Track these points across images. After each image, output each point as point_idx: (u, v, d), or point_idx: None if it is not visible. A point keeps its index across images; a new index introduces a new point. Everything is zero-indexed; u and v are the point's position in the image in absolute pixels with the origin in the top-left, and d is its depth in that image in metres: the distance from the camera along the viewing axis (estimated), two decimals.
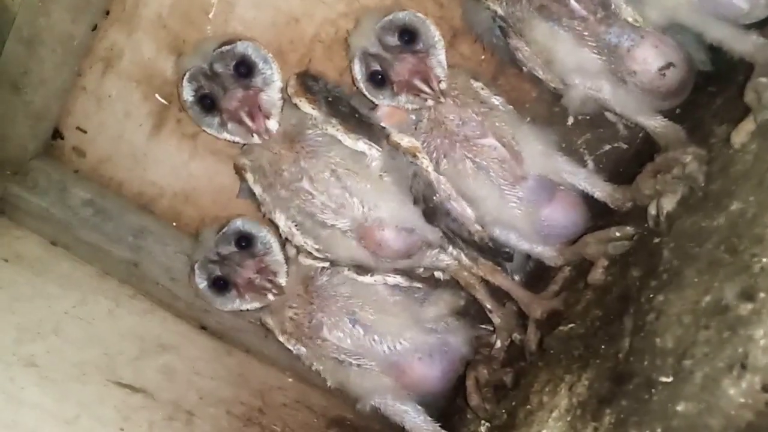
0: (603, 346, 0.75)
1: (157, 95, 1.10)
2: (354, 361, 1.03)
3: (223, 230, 1.05)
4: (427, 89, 0.96)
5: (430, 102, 0.97)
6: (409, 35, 0.97)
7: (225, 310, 1.07)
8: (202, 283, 1.06)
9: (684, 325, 0.62)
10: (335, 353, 1.03)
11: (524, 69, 0.97)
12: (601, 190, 0.98)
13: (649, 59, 0.89)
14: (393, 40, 0.97)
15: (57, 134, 1.13)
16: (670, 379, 0.60)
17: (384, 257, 1.03)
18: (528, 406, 0.83)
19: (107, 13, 1.06)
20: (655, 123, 0.93)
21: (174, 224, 1.16)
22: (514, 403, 0.89)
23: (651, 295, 0.72)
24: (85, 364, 0.96)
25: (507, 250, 1.03)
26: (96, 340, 1.00)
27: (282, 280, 1.05)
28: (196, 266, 1.05)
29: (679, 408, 0.56)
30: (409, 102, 0.98)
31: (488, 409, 0.95)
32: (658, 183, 0.82)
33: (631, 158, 1.07)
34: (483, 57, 1.05)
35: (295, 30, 1.04)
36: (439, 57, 0.97)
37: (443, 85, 0.97)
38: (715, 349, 0.56)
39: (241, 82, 0.98)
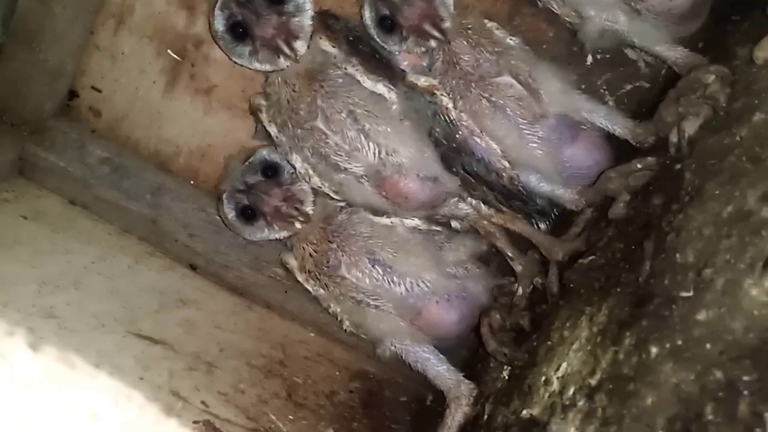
0: (623, 274, 0.73)
1: (169, 51, 1.09)
2: (372, 302, 1.01)
3: (250, 160, 1.04)
4: (434, 32, 0.94)
5: (433, 44, 0.95)
6: None
7: (255, 239, 1.07)
8: (230, 213, 1.05)
9: (705, 238, 0.59)
10: (353, 293, 1.02)
11: (539, 4, 0.95)
12: (622, 126, 0.95)
13: None
14: None
15: (73, 94, 1.13)
16: (690, 293, 0.58)
17: (407, 208, 1.02)
18: (548, 343, 0.81)
19: None
20: (676, 53, 0.90)
21: (191, 182, 1.16)
22: (535, 344, 0.87)
23: (672, 219, 0.69)
24: (104, 315, 0.96)
25: (540, 205, 1.02)
26: (115, 294, 1.01)
27: (309, 209, 1.04)
28: (224, 196, 1.05)
29: (700, 317, 0.54)
30: (417, 45, 0.97)
31: (507, 353, 0.93)
32: (681, 106, 0.79)
33: (653, 97, 1.02)
34: None
35: None
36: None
37: (446, 25, 0.95)
38: (737, 254, 0.54)
39: (274, 8, 0.97)
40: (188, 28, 1.08)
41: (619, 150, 0.97)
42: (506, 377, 0.94)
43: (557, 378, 0.74)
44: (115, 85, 1.13)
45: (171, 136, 1.15)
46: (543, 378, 0.78)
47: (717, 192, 0.62)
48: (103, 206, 1.11)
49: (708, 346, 0.52)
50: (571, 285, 0.83)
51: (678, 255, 0.62)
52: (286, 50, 0.95)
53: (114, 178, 1.11)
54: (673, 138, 0.79)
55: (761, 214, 0.54)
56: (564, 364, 0.75)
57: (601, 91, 1.05)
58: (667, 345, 0.56)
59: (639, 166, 0.85)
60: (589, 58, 1.03)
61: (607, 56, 1.03)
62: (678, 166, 0.76)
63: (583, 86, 1.02)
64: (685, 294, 0.59)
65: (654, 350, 0.57)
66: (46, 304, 0.94)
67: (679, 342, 0.55)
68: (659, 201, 0.76)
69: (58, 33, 1.05)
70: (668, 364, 0.55)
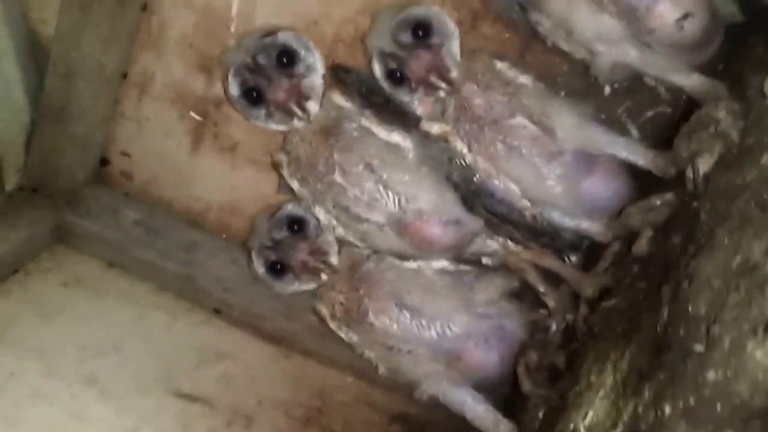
0: (644, 319, 0.72)
1: (191, 113, 1.13)
2: (403, 347, 1.02)
3: (275, 216, 1.07)
4: (441, 84, 0.95)
5: (442, 94, 0.96)
6: (424, 29, 0.96)
7: (285, 293, 1.09)
8: (260, 269, 1.08)
9: (714, 289, 0.58)
10: (384, 339, 1.02)
11: (547, 43, 0.95)
12: (643, 157, 0.94)
13: (666, 13, 0.84)
14: (407, 37, 0.96)
15: (104, 161, 1.17)
16: (702, 349, 0.57)
17: (433, 253, 1.03)
18: (577, 387, 0.80)
19: (134, 39, 1.09)
20: (692, 81, 0.89)
21: (224, 236, 1.19)
22: (567, 384, 0.86)
23: (688, 263, 0.68)
24: (144, 376, 1.00)
25: (567, 237, 1.02)
26: (154, 354, 1.04)
27: (334, 259, 1.06)
28: (252, 253, 1.08)
29: (709, 376, 0.53)
30: (428, 95, 0.98)
31: (542, 394, 0.92)
32: (693, 143, 0.78)
33: (676, 122, 1.00)
34: (507, 35, 1.02)
35: (316, 32, 1.04)
36: (453, 49, 0.96)
37: (453, 75, 0.96)
38: (743, 312, 0.53)
39: (285, 72, 0.99)
40: (207, 90, 1.10)
41: (641, 177, 0.96)
42: (541, 418, 0.93)
43: (584, 427, 0.74)
44: (143, 150, 1.16)
45: (200, 194, 1.18)
46: (571, 425, 0.77)
47: (726, 240, 0.61)
48: (140, 266, 1.14)
49: (718, 406, 0.51)
50: (595, 329, 0.82)
51: (691, 306, 0.61)
52: (299, 112, 0.98)
53: (148, 238, 1.15)
54: (689, 174, 0.78)
55: (765, 269, 0.53)
56: (590, 413, 0.74)
57: (623, 119, 1.04)
58: (681, 403, 0.56)
59: (658, 202, 0.84)
60: (608, 89, 1.02)
61: (625, 85, 1.01)
62: (695, 204, 0.75)
63: (603, 116, 1.01)
64: (698, 348, 0.58)
65: (668, 409, 0.56)
66: (87, 370, 0.98)
67: (692, 401, 0.54)
68: (678, 240, 0.75)
69: (84, 106, 1.09)
70: (682, 424, 0.54)
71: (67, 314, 1.04)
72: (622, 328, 0.76)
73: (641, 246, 0.85)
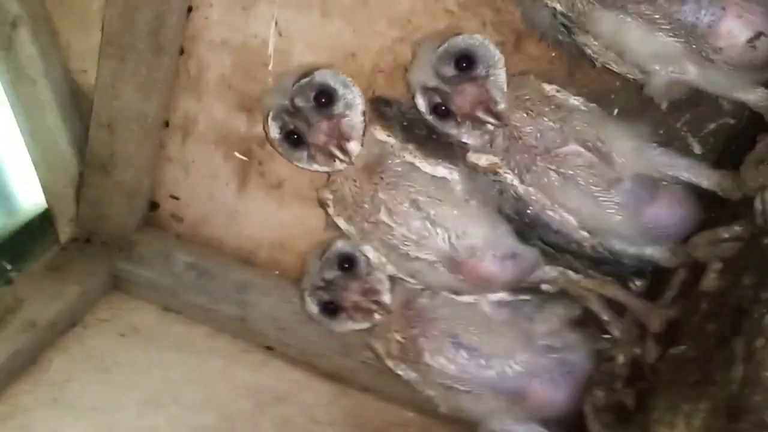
0: (717, 373, 0.67)
1: (236, 153, 1.11)
2: (462, 387, 0.99)
3: (325, 255, 1.05)
4: (489, 119, 0.90)
5: (491, 128, 0.91)
6: (467, 60, 0.90)
7: (339, 332, 1.07)
8: (314, 310, 1.06)
9: None
10: (441, 379, 0.99)
11: (597, 65, 0.89)
12: (707, 178, 0.88)
13: (735, 32, 0.78)
14: (450, 70, 0.91)
15: (153, 205, 1.18)
16: None
17: (491, 290, 0.99)
18: None
19: (174, 84, 1.08)
20: (756, 97, 0.82)
21: (276, 272, 1.18)
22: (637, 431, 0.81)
23: (763, 310, 0.63)
24: (203, 428, 1.00)
25: (631, 264, 0.96)
26: (212, 403, 1.03)
27: (387, 298, 1.03)
28: (305, 295, 1.06)
29: None
30: (474, 129, 0.93)
31: None
32: (761, 174, 0.72)
33: (741, 133, 0.94)
34: (553, 55, 0.97)
35: (354, 65, 1.01)
36: (499, 78, 0.91)
37: (501, 107, 0.90)
38: None
39: (324, 113, 0.96)
40: (250, 129, 1.09)
41: (708, 197, 0.90)
42: None
43: None
44: (191, 192, 1.16)
45: (250, 232, 1.17)
46: None
47: None
48: (194, 310, 1.14)
49: None
50: (665, 378, 0.77)
51: (766, 373, 0.56)
52: (340, 155, 0.95)
53: (200, 282, 1.14)
54: (758, 205, 0.72)
55: None
56: None
57: (683, 133, 0.97)
58: None
59: (726, 235, 0.78)
60: (664, 102, 0.96)
61: (684, 97, 0.95)
62: (766, 241, 0.69)
63: (661, 131, 0.96)
64: None
65: None
66: (147, 426, 0.98)
67: None
68: (749, 281, 0.70)
69: (129, 154, 1.09)
70: None
71: (126, 367, 1.04)
72: (694, 378, 0.71)
73: (710, 281, 0.79)
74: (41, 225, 1.18)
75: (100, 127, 1.08)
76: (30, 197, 1.19)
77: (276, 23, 1.02)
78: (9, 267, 1.10)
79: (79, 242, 1.16)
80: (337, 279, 1.04)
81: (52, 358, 1.03)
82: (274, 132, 0.97)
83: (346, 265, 1.04)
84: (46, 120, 1.10)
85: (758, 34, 0.78)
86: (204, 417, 1.01)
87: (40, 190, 1.18)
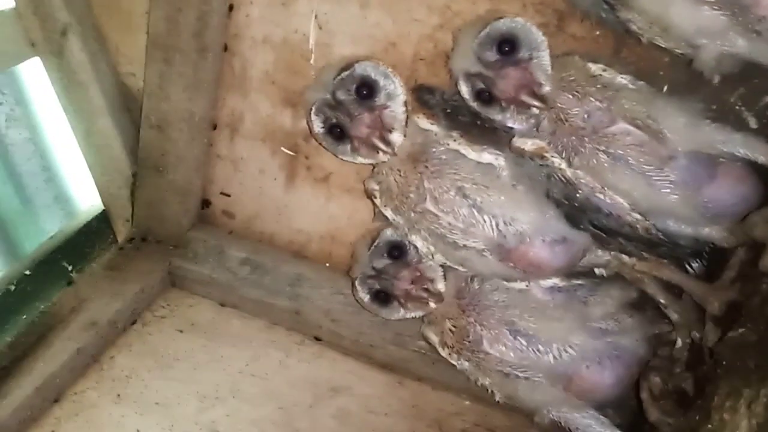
0: None
1: (283, 148, 1.12)
2: (521, 374, 0.97)
3: (375, 243, 1.04)
4: (534, 102, 0.88)
5: (537, 112, 0.89)
6: (509, 44, 0.89)
7: (391, 320, 1.07)
8: (365, 298, 1.06)
9: None
10: (500, 366, 0.98)
11: (643, 40, 0.86)
12: (764, 153, 0.84)
13: None
14: (492, 54, 0.89)
15: (205, 203, 1.20)
16: None
17: (542, 276, 0.98)
18: (709, 425, 0.73)
19: (219, 83, 1.10)
20: None
21: (327, 264, 1.19)
22: (698, 417, 0.79)
23: None
24: (262, 421, 1.01)
25: (687, 245, 0.93)
26: (271, 395, 1.05)
27: (440, 286, 1.02)
28: (356, 283, 1.06)
29: None
30: (519, 114, 0.91)
31: (671, 424, 0.85)
32: None
33: None
34: (598, 33, 0.94)
35: (395, 54, 1.00)
36: (543, 60, 0.89)
37: (545, 90, 0.88)
38: None
39: (366, 105, 0.96)
40: (295, 124, 1.10)
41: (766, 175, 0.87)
42: None
43: None
44: (241, 188, 1.18)
45: (300, 226, 1.18)
46: None
47: None
48: (250, 304, 1.16)
49: None
50: (724, 362, 0.74)
51: None
52: (383, 146, 0.94)
53: (254, 276, 1.16)
54: None
55: None
56: None
57: (737, 108, 0.94)
58: None
59: None
60: (716, 77, 0.92)
61: (736, 71, 0.91)
62: None
63: (714, 107, 0.92)
64: None
65: None
66: (208, 420, 1.00)
67: None
68: None
69: (179, 154, 1.12)
70: None
71: (185, 362, 1.07)
72: (755, 362, 0.68)
73: None
74: (99, 226, 1.22)
75: (150, 128, 1.11)
76: (87, 200, 1.23)
77: (316, 17, 1.02)
78: (70, 268, 1.14)
79: (136, 242, 1.20)
80: (387, 267, 1.03)
81: (113, 356, 1.06)
82: (317, 126, 0.98)
83: (396, 254, 1.03)
84: (99, 123, 1.13)
85: None
86: (262, 410, 1.03)
87: (97, 192, 1.21)
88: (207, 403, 1.02)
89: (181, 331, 1.12)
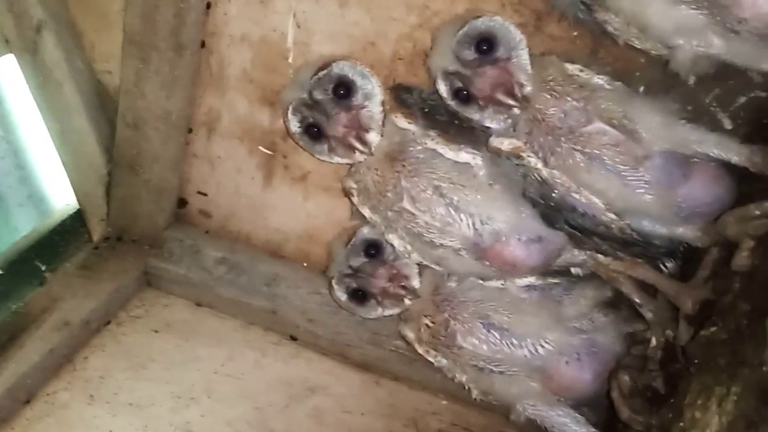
0: (749, 353, 0.65)
1: (260, 147, 1.12)
2: (494, 368, 0.98)
3: (351, 242, 1.04)
4: (511, 101, 0.88)
5: (516, 111, 0.90)
6: (487, 43, 0.89)
7: (369, 319, 1.07)
8: (342, 297, 1.06)
9: None
10: (474, 361, 0.99)
11: (620, 42, 0.87)
12: (737, 154, 0.85)
13: (759, 1, 0.75)
14: (470, 53, 0.89)
15: (182, 202, 1.19)
16: None
17: (518, 275, 0.98)
18: (681, 423, 0.74)
19: (196, 81, 1.09)
20: None
21: (304, 264, 1.18)
22: (670, 415, 0.80)
23: None
24: (237, 421, 1.01)
25: (661, 245, 0.94)
26: (246, 395, 1.04)
27: (415, 283, 1.03)
28: (332, 282, 1.06)
29: None
30: (497, 113, 0.91)
31: (642, 422, 0.86)
32: None
33: None
34: (575, 34, 0.95)
35: (374, 53, 1.00)
36: (522, 59, 0.89)
37: (527, 90, 0.88)
38: None
39: (343, 104, 0.96)
40: (273, 123, 1.09)
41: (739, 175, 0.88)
42: None
43: None
44: (217, 187, 1.17)
45: (278, 225, 1.18)
46: None
47: None
48: (225, 304, 1.16)
49: None
50: (696, 361, 0.75)
51: None
52: (359, 146, 0.94)
53: (231, 276, 1.16)
54: None
55: None
56: None
57: (712, 108, 0.95)
58: None
59: (757, 212, 0.75)
60: (692, 78, 0.93)
61: (712, 71, 0.92)
62: None
63: (689, 107, 0.93)
64: None
65: None
66: (182, 420, 0.99)
67: None
68: None
69: (156, 152, 1.11)
70: None
71: (160, 362, 1.06)
72: (726, 360, 0.69)
73: (741, 260, 0.77)
74: (73, 225, 1.21)
75: (126, 126, 1.10)
76: (62, 198, 1.22)
77: (294, 15, 1.02)
78: (43, 267, 1.12)
79: (111, 241, 1.18)
80: (363, 266, 1.03)
81: (87, 356, 1.05)
82: (294, 126, 0.97)
83: (372, 252, 1.03)
84: (74, 122, 1.12)
85: None
86: (238, 410, 1.02)
87: (71, 191, 1.20)
88: (181, 403, 1.01)
89: (156, 331, 1.11)
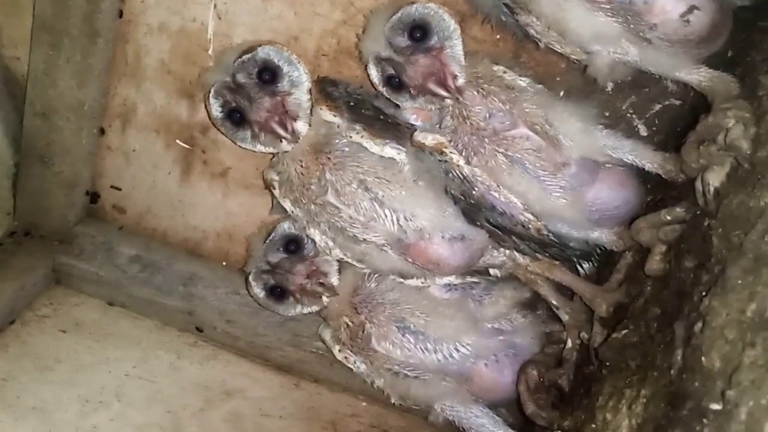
0: (658, 356, 0.66)
1: (178, 141, 1.08)
2: (409, 373, 0.97)
3: (270, 237, 1.01)
4: (442, 92, 0.88)
5: (448, 102, 0.89)
6: (421, 30, 0.88)
7: (290, 315, 1.04)
8: (260, 294, 1.03)
9: (729, 341, 0.52)
10: (388, 365, 0.98)
11: (540, 45, 0.88)
12: (650, 161, 0.87)
13: (668, 7, 0.77)
14: (404, 40, 0.88)
15: (94, 197, 1.14)
16: (719, 407, 0.51)
17: (441, 274, 0.98)
18: (593, 425, 0.75)
19: (111, 71, 1.05)
20: (699, 76, 0.81)
21: (223, 263, 1.15)
22: (583, 417, 0.81)
23: (703, 293, 0.62)
24: (148, 426, 0.97)
25: (577, 247, 0.96)
26: (159, 399, 1.01)
27: (334, 280, 1.01)
28: (250, 278, 1.03)
29: None
30: (429, 103, 0.91)
31: (545, 417, 0.87)
32: (702, 155, 0.71)
33: (687, 114, 0.94)
34: (498, 37, 0.95)
35: (297, 49, 0.98)
36: (455, 50, 0.88)
37: (460, 81, 0.88)
38: (762, 377, 0.47)
39: (267, 89, 0.92)
40: (192, 116, 1.06)
41: (655, 180, 0.90)
42: None
43: None
44: (133, 182, 1.13)
45: (196, 223, 1.14)
46: None
47: (740, 281, 0.54)
48: (140, 304, 1.12)
49: None
50: (608, 363, 0.76)
51: (704, 357, 0.55)
52: (283, 133, 0.92)
53: (145, 275, 1.12)
54: (699, 187, 0.71)
55: None
56: None
57: (628, 115, 0.97)
58: None
59: (668, 218, 0.77)
60: (610, 84, 0.95)
61: (629, 79, 0.94)
62: (706, 223, 0.69)
63: (606, 113, 0.95)
64: (715, 407, 0.52)
65: None
66: (89, 425, 0.95)
67: None
68: (691, 264, 0.69)
69: (67, 144, 1.06)
70: None
71: (67, 364, 1.01)
72: (636, 363, 0.70)
73: (653, 265, 0.78)
74: None
75: (35, 116, 1.05)
76: None
77: (215, 6, 0.99)
78: None
79: (17, 236, 1.12)
80: (282, 262, 1.01)
81: None
82: (216, 110, 0.93)
83: (292, 248, 1.01)
84: None
85: (691, 8, 0.77)
86: (149, 415, 0.98)
87: None
88: (89, 407, 0.97)
89: (64, 332, 1.06)
